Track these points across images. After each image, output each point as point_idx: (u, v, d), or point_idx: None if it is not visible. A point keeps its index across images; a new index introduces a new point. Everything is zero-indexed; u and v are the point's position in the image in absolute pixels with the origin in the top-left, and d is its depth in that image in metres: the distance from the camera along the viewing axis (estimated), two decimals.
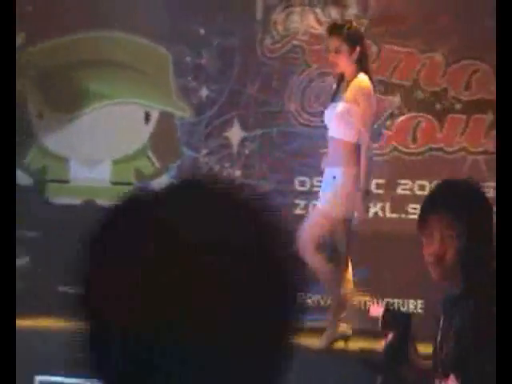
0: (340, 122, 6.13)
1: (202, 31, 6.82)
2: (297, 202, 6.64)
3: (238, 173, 6.72)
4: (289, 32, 6.66)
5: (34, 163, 7.17)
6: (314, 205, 6.47)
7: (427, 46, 6.27)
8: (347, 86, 6.23)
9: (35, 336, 6.38)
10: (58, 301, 7.01)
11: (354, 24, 6.27)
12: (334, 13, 6.79)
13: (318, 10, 6.66)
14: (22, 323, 6.93)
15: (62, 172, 7.10)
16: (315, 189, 6.51)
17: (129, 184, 6.86)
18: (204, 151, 6.68)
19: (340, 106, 6.16)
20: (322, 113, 6.31)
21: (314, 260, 6.16)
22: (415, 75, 6.26)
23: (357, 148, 6.18)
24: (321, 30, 6.73)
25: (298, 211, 6.58)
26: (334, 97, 6.26)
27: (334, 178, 6.19)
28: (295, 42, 6.62)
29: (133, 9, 7.00)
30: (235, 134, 6.75)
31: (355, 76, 6.15)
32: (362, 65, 6.15)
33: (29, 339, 6.15)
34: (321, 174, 6.33)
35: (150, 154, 6.92)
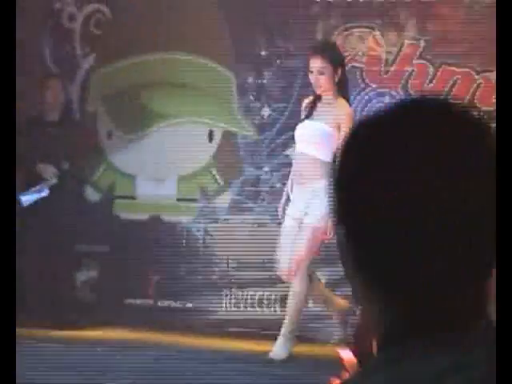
0: (323, 144, 6.33)
1: (264, 53, 7.08)
2: None
3: None
4: (347, 54, 6.82)
5: (103, 180, 7.46)
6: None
7: (482, 67, 6.43)
8: (325, 106, 6.55)
9: (102, 346, 6.62)
10: (125, 312, 7.14)
11: (337, 46, 6.55)
12: (392, 35, 6.84)
13: (376, 33, 6.78)
14: (90, 334, 7.25)
15: (129, 188, 7.38)
16: None
17: (193, 200, 7.17)
18: (266, 169, 7.01)
19: (323, 129, 6.44)
20: None
21: (302, 278, 6.48)
22: (470, 95, 6.33)
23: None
24: (379, 51, 6.88)
25: None
26: (310, 116, 6.49)
27: (317, 192, 6.28)
28: (354, 64, 6.83)
29: (198, 32, 7.19)
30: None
31: (335, 98, 6.44)
32: (342, 87, 6.43)
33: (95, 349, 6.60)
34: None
35: (214, 171, 7.17)
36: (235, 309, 7.45)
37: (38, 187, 7.53)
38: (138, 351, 6.69)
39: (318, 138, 6.45)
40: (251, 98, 7.33)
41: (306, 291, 6.63)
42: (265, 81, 7.36)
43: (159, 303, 7.44)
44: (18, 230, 7.13)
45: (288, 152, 7.21)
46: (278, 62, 7.15)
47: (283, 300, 7.03)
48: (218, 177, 7.36)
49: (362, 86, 7.00)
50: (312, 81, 6.42)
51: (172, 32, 7.46)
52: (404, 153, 1.19)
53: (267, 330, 6.64)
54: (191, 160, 7.31)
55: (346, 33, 6.95)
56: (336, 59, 6.38)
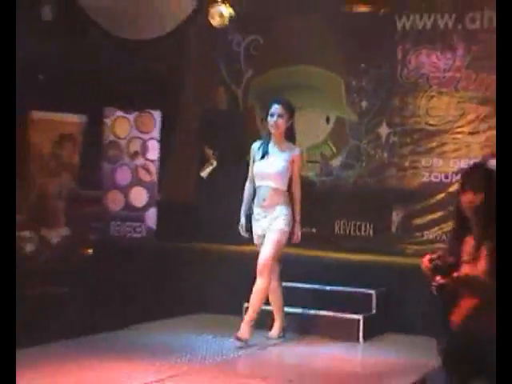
0: (281, 177, 7.52)
1: (363, 65, 9.44)
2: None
3: (385, 155, 9.32)
4: (418, 65, 9.03)
5: None
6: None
7: None
8: (278, 147, 7.58)
9: None
10: None
11: (291, 102, 7.72)
12: (448, 53, 8.94)
13: (437, 52, 8.94)
14: None
15: None
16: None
17: (316, 162, 9.67)
18: (364, 141, 9.41)
19: (281, 166, 7.48)
20: (439, 117, 8.60)
21: (267, 276, 7.41)
22: None
23: (286, 192, 7.53)
24: (440, 64, 8.96)
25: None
26: (267, 155, 7.55)
27: (278, 214, 7.46)
28: (422, 71, 8.97)
29: (318, 50, 9.61)
30: (384, 130, 9.36)
31: (286, 140, 7.60)
32: (291, 132, 7.68)
33: None
34: None
35: (330, 143, 9.67)
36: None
37: (208, 164, 9.63)
38: None
39: (277, 173, 7.54)
40: (354, 95, 9.62)
41: (267, 288, 7.58)
42: (363, 84, 9.54)
43: None
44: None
45: (379, 130, 9.42)
46: (372, 71, 9.36)
47: None
48: (332, 147, 9.77)
49: (427, 86, 8.96)
50: (271, 122, 7.53)
51: (302, 52, 9.74)
52: None
53: None
54: (315, 136, 9.77)
55: (417, 52, 9.06)
56: (291, 110, 7.64)
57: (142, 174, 10.51)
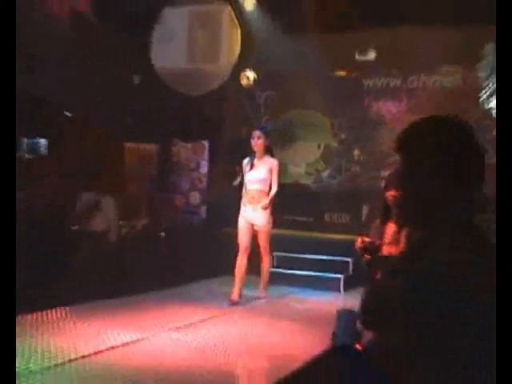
0: (264, 182, 9.12)
1: (343, 109, 11.69)
2: None
3: (357, 169, 11.57)
4: (378, 110, 11.44)
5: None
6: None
7: None
8: (261, 160, 9.18)
9: None
10: None
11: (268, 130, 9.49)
12: (397, 102, 11.22)
13: (390, 102, 11.37)
14: None
15: (284, 170, 11.55)
16: None
17: (311, 174, 11.98)
18: (343, 160, 11.91)
19: (264, 174, 9.09)
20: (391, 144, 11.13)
21: (268, 257, 9.37)
22: None
23: (267, 192, 9.19)
24: (392, 109, 11.23)
25: None
26: (252, 168, 9.18)
27: (259, 208, 9.09)
28: (381, 113, 11.41)
29: (314, 99, 11.66)
30: (356, 152, 11.81)
31: (265, 155, 9.20)
32: (269, 149, 9.27)
33: None
34: None
35: (321, 161, 12.10)
36: None
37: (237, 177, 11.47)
38: None
39: (261, 179, 9.16)
40: (336, 130, 12.00)
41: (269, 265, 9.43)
42: (342, 122, 11.71)
43: None
44: None
45: (353, 152, 11.62)
46: (348, 114, 11.67)
47: None
48: (322, 163, 12.14)
49: (384, 123, 11.20)
50: (253, 143, 9.14)
51: (302, 101, 11.96)
52: None
53: None
54: (311, 156, 12.04)
55: (377, 101, 11.48)
56: (266, 133, 9.26)
57: (197, 183, 12.65)
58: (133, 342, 6.96)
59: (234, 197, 9.69)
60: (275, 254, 10.32)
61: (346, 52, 11.93)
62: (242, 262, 9.13)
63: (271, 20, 12.12)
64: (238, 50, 12.45)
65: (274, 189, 9.15)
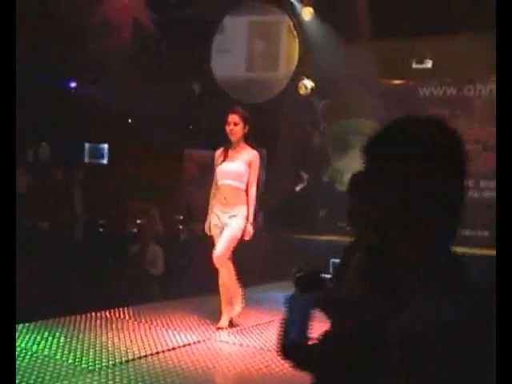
0: (239, 177, 7.39)
1: None
2: None
3: None
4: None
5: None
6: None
7: None
8: (237, 151, 7.51)
9: None
10: None
11: (247, 111, 7.60)
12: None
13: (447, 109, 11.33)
14: None
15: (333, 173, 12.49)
16: None
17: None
18: None
19: (240, 167, 7.39)
20: None
21: (228, 265, 7.50)
22: None
23: (244, 192, 7.45)
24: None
25: None
26: (226, 159, 7.50)
27: (236, 213, 7.41)
28: None
29: (367, 108, 11.34)
30: None
31: (244, 145, 7.50)
32: (249, 137, 7.52)
33: None
34: None
35: None
36: None
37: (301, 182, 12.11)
38: None
39: (235, 173, 7.44)
40: None
41: (232, 273, 7.57)
42: None
43: None
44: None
45: None
46: None
47: None
48: None
49: None
50: (228, 130, 7.44)
51: (356, 110, 11.87)
52: None
53: None
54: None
55: (433, 108, 11.23)
56: (246, 118, 7.46)
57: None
58: (194, 343, 7.03)
59: (291, 203, 9.86)
60: (332, 260, 10.16)
61: (403, 60, 11.94)
62: (225, 274, 7.69)
63: (328, 29, 12.23)
64: (296, 59, 12.54)
65: (253, 191, 7.52)
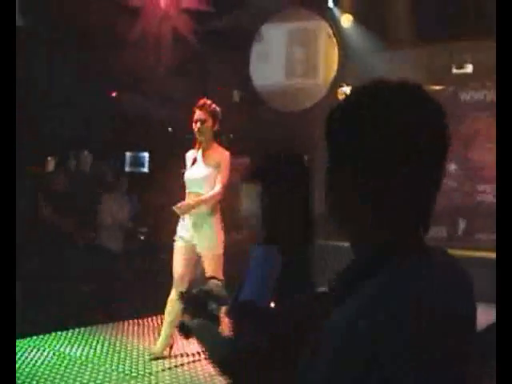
0: (206, 183, 6.54)
1: None
2: None
3: None
4: (473, 122, 11.26)
5: None
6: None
7: None
8: (207, 153, 6.64)
9: None
10: None
11: (216, 106, 6.74)
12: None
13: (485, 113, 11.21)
14: None
15: None
16: None
17: None
18: None
19: (206, 171, 6.52)
20: None
21: None
22: None
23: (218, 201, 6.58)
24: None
25: None
26: (195, 163, 6.65)
27: (210, 228, 6.62)
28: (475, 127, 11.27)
29: None
30: None
31: (212, 144, 6.66)
32: (218, 136, 6.72)
33: None
34: None
35: None
36: None
37: None
38: None
39: (202, 179, 6.58)
40: None
41: None
42: None
43: None
44: None
45: None
46: None
47: None
48: None
49: None
50: (195, 129, 6.57)
51: None
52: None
53: None
54: None
55: (473, 115, 11.42)
56: (215, 114, 6.61)
57: None
58: None
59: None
60: None
61: (443, 65, 11.87)
62: (174, 299, 6.65)
63: (368, 35, 12.22)
64: (335, 66, 12.51)
65: (216, 188, 6.65)
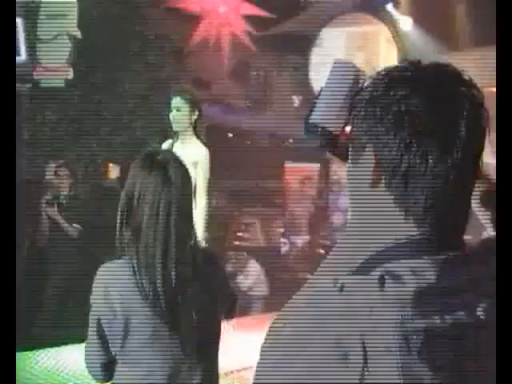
0: None
1: None
2: None
3: None
4: None
5: None
6: None
7: None
8: (183, 147, 5.77)
9: None
10: None
11: (195, 91, 6.13)
12: None
13: None
14: None
15: None
16: None
17: None
18: None
19: None
20: None
21: None
22: None
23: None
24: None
25: None
26: None
27: None
28: None
29: None
30: None
31: (191, 137, 5.83)
32: (197, 129, 5.85)
33: None
34: None
35: None
36: None
37: None
38: None
39: None
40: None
41: None
42: None
43: None
44: None
45: None
46: None
47: None
48: None
49: None
50: (171, 118, 5.82)
51: None
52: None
53: None
54: None
55: None
56: (193, 101, 5.82)
57: None
58: None
59: None
60: None
61: None
62: None
63: (428, 38, 12.14)
64: None
65: (201, 203, 5.79)
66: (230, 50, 11.80)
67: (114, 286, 2.60)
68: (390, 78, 1.36)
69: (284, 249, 12.77)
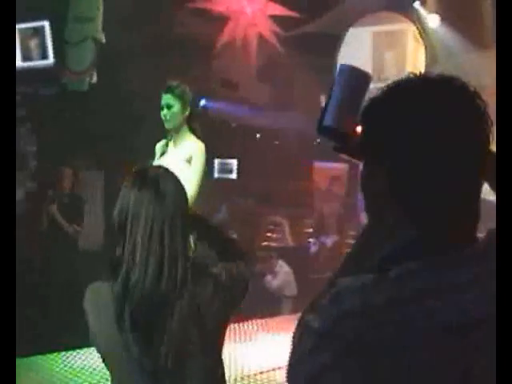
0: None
1: None
2: None
3: None
4: None
5: None
6: None
7: None
8: (177, 144, 5.79)
9: None
10: None
11: (187, 88, 5.86)
12: None
13: None
14: None
15: None
16: None
17: None
18: None
19: (176, 164, 5.42)
20: None
21: None
22: None
23: None
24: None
25: None
26: (165, 153, 5.85)
27: None
28: None
29: None
30: None
31: (184, 133, 5.79)
32: (192, 125, 5.80)
33: None
34: None
35: None
36: None
37: None
38: None
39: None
40: None
41: None
42: None
43: None
44: None
45: None
46: None
47: None
48: None
49: None
50: (162, 116, 5.77)
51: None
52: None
53: None
54: None
55: None
56: (183, 97, 5.77)
57: None
58: None
59: None
60: None
61: None
62: None
63: (456, 36, 12.11)
64: (423, 68, 12.20)
65: (190, 192, 5.27)
66: (257, 51, 11.85)
67: (97, 309, 2.56)
68: (397, 90, 1.48)
69: (313, 249, 12.83)
